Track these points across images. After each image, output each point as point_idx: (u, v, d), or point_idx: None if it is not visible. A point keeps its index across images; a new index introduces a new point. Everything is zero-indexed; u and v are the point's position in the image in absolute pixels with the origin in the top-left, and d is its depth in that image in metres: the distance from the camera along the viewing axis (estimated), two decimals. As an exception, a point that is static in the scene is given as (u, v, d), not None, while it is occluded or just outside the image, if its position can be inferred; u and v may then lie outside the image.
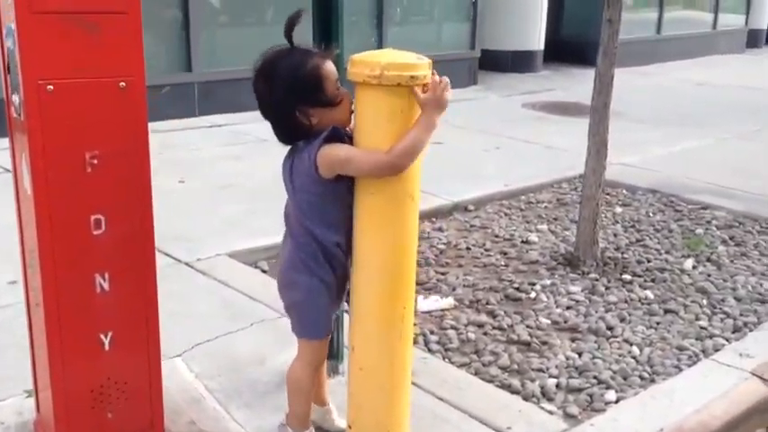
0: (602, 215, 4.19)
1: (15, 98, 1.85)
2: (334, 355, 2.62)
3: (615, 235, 4.28)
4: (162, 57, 6.75)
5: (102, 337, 2.01)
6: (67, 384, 1.99)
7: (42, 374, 2.10)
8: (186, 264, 3.55)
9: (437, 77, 1.88)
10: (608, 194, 4.95)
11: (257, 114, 2.00)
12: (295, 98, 1.90)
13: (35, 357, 2.17)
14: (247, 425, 2.32)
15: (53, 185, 1.84)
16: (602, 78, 3.68)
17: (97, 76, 1.82)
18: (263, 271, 3.59)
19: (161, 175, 4.89)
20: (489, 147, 6.25)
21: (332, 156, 1.89)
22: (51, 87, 1.77)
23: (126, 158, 1.91)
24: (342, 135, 1.93)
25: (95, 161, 1.87)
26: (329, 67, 1.92)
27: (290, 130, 1.96)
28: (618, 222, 4.51)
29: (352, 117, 1.96)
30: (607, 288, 3.54)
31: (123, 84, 1.85)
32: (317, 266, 2.00)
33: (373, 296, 2.03)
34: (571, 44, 11.33)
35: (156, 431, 2.15)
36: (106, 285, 1.97)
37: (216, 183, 4.90)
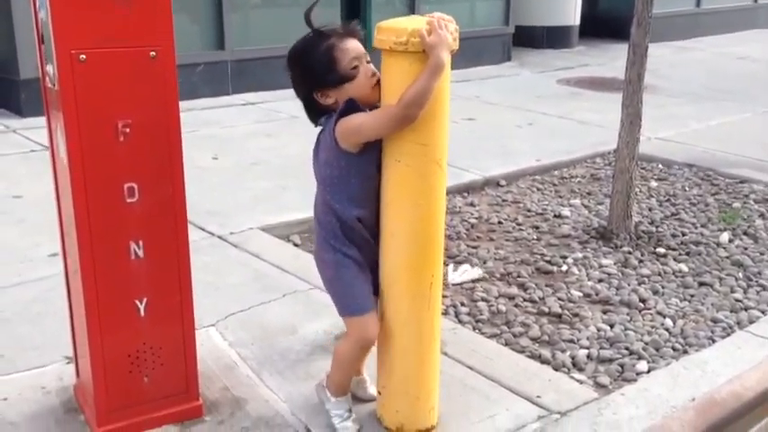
0: (637, 189, 4.14)
1: (50, 68, 1.89)
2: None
3: (650, 209, 4.22)
4: (195, 35, 6.80)
5: (138, 303, 2.06)
6: (105, 349, 2.05)
7: (81, 340, 2.16)
8: (219, 237, 3.61)
9: (435, 17, 1.86)
10: (643, 169, 4.89)
11: (289, 92, 2.06)
12: (310, 80, 1.96)
13: (74, 324, 2.23)
14: (279, 391, 2.36)
15: (87, 154, 1.88)
16: (636, 49, 3.62)
17: (128, 45, 1.86)
18: (295, 244, 3.62)
19: (195, 151, 4.99)
20: (522, 123, 6.20)
21: (348, 125, 1.91)
22: (84, 57, 1.81)
23: (157, 127, 1.94)
24: (358, 107, 1.93)
25: (127, 130, 1.91)
26: (345, 45, 1.93)
27: (313, 110, 2.01)
28: (653, 197, 4.45)
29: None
30: (640, 261, 3.50)
31: (154, 53, 1.88)
32: (336, 242, 2.02)
33: (401, 265, 2.04)
34: (608, 19, 11.12)
35: (191, 395, 2.21)
36: (140, 252, 2.02)
37: (248, 159, 4.94)
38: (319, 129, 2.04)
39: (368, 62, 1.98)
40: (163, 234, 2.05)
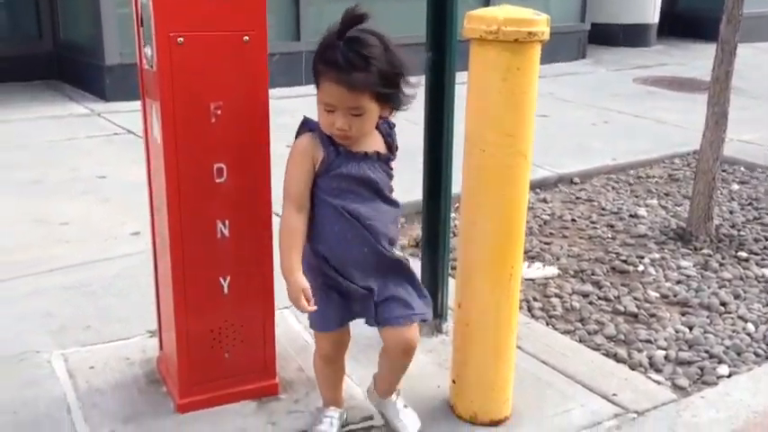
0: (718, 192, 4.02)
1: (147, 50, 1.95)
2: (437, 314, 2.66)
3: (731, 212, 4.10)
4: (273, 25, 6.88)
5: (222, 281, 2.11)
6: (189, 324, 2.11)
7: (166, 315, 2.24)
8: (295, 223, 3.65)
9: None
10: (725, 171, 4.74)
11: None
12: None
13: (159, 299, 2.31)
14: (353, 374, 2.38)
15: (181, 134, 1.94)
16: (724, 46, 3.51)
17: (223, 29, 1.90)
18: (368, 233, 3.65)
19: (271, 140, 5.06)
20: (597, 121, 6.09)
21: (291, 149, 1.93)
22: (182, 39, 1.86)
23: (247, 109, 1.99)
24: (311, 126, 1.91)
25: (219, 112, 1.96)
26: (325, 89, 1.79)
27: None
28: (734, 200, 4.31)
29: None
30: (721, 264, 3.40)
31: (247, 37, 1.93)
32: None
33: (482, 254, 2.04)
34: (689, 18, 10.80)
35: (269, 374, 2.26)
36: (226, 232, 2.07)
37: (323, 149, 4.99)
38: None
39: (355, 115, 1.78)
40: (247, 215, 2.09)
